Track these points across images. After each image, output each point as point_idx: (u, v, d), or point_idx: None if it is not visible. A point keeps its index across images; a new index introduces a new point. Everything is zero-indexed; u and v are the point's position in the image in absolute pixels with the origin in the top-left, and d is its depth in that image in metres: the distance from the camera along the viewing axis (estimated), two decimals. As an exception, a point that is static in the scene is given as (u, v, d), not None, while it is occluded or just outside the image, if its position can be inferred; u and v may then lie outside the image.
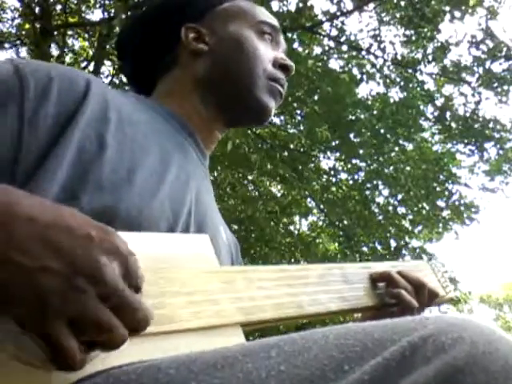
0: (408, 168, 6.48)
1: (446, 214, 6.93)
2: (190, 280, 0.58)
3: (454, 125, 6.56)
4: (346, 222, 7.02)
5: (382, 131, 6.28)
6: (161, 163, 0.71)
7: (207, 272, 0.61)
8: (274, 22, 0.91)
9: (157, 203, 0.66)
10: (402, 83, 6.46)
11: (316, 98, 6.13)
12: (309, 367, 0.41)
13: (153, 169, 0.69)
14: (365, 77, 6.28)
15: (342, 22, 6.05)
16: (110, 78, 6.78)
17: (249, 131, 5.86)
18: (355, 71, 6.36)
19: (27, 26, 6.19)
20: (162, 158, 0.71)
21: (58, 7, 6.25)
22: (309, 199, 7.12)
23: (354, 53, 6.38)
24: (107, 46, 5.93)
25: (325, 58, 6.36)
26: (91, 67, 6.58)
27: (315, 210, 7.39)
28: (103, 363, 0.47)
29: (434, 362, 0.37)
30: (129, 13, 4.89)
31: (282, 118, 6.74)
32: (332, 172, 6.90)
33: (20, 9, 6.22)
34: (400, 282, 0.83)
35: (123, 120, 0.70)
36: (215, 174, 6.68)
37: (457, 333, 0.39)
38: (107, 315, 0.42)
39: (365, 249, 6.97)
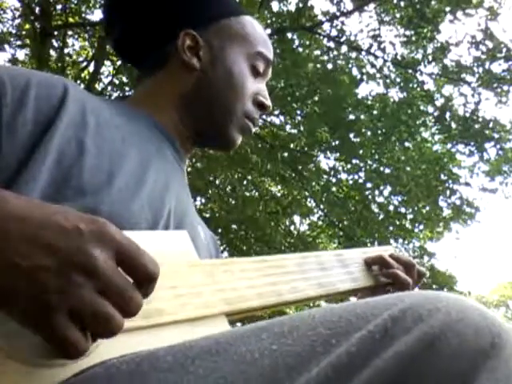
0: (408, 168, 6.48)
1: (446, 213, 6.94)
2: (174, 274, 0.60)
3: (453, 125, 6.57)
4: (346, 222, 7.03)
5: (383, 130, 6.29)
6: (140, 166, 0.72)
7: (189, 266, 0.63)
8: (270, 53, 0.91)
9: (137, 206, 0.67)
10: (401, 83, 6.47)
11: (316, 98, 6.14)
12: (299, 344, 0.43)
13: (132, 172, 0.70)
14: (365, 77, 6.28)
15: (342, 23, 6.07)
16: (110, 77, 6.79)
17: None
18: (355, 71, 6.38)
19: (27, 26, 6.20)
20: (140, 162, 0.72)
21: (58, 7, 6.26)
22: (309, 199, 7.13)
23: (354, 53, 6.39)
24: (107, 46, 5.93)
25: (325, 58, 6.36)
26: (91, 67, 6.58)
27: (315, 210, 7.39)
28: (99, 355, 0.48)
29: (414, 331, 0.41)
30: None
31: (282, 118, 6.74)
32: (332, 172, 6.91)
33: (20, 9, 6.22)
34: (394, 263, 0.93)
35: (101, 124, 0.70)
36: (215, 174, 6.69)
37: (432, 304, 0.43)
38: (104, 306, 0.44)
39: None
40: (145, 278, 0.47)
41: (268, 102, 0.89)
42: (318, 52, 6.35)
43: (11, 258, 0.41)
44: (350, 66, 6.35)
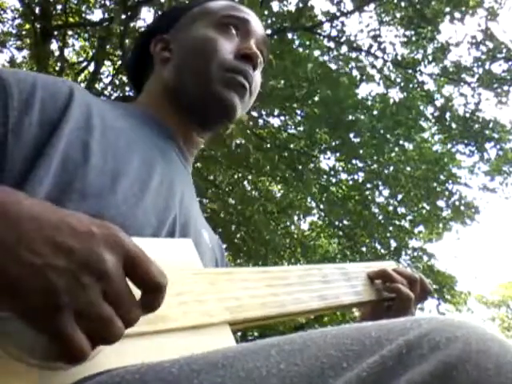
0: (408, 168, 6.49)
1: (446, 214, 6.94)
2: (178, 282, 0.60)
3: (453, 125, 6.57)
4: (346, 222, 7.03)
5: (382, 131, 6.29)
6: (144, 170, 0.72)
7: (193, 274, 0.63)
8: (241, 13, 0.89)
9: (141, 210, 0.67)
10: (402, 84, 6.47)
11: (316, 98, 6.14)
12: (308, 365, 0.42)
13: (137, 176, 0.70)
14: (364, 77, 6.28)
15: (342, 23, 6.06)
16: (110, 78, 6.79)
17: (248, 131, 5.86)
18: (355, 72, 6.37)
19: (27, 25, 6.19)
20: (145, 165, 0.73)
21: (58, 7, 6.25)
22: (309, 199, 7.12)
23: (354, 54, 6.38)
24: (107, 46, 5.93)
25: (325, 58, 6.36)
26: (91, 67, 6.58)
27: (315, 210, 7.39)
28: (102, 359, 0.48)
29: (430, 359, 0.39)
30: (128, 13, 4.89)
31: (282, 118, 6.74)
32: (332, 172, 6.90)
33: (20, 9, 6.21)
34: (397, 277, 0.91)
35: (106, 127, 0.71)
36: (215, 174, 6.68)
37: (451, 332, 0.41)
38: (108, 309, 0.44)
39: (365, 249, 6.98)
40: (151, 287, 0.47)
41: (250, 50, 0.84)
42: (318, 52, 6.35)
43: (23, 256, 0.42)
44: (349, 67, 6.35)
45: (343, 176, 7.00)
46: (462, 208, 6.75)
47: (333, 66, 6.30)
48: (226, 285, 0.66)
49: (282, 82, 5.81)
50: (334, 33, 6.14)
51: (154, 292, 0.47)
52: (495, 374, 0.38)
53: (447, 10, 5.93)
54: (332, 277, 0.84)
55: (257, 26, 0.90)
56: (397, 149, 6.51)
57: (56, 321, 0.42)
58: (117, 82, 6.43)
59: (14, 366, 0.45)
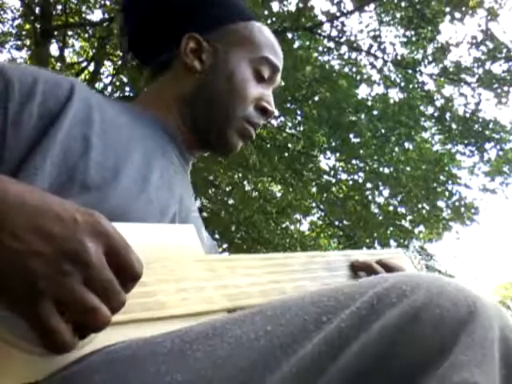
0: (408, 168, 6.48)
1: (446, 214, 6.94)
2: (178, 268, 0.60)
3: (454, 125, 6.57)
4: (345, 222, 7.02)
5: (383, 131, 6.28)
6: (145, 165, 0.72)
7: (195, 260, 0.63)
8: (277, 59, 0.89)
9: (142, 204, 0.68)
10: (402, 84, 6.47)
11: (316, 98, 6.14)
12: (292, 324, 0.46)
13: (137, 170, 0.70)
14: (364, 78, 6.27)
15: (342, 23, 6.05)
16: (110, 78, 6.79)
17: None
18: (354, 73, 6.37)
19: (27, 26, 6.20)
20: (145, 161, 0.73)
21: (58, 7, 6.25)
22: (309, 199, 7.12)
23: (354, 54, 6.38)
24: (107, 46, 5.94)
25: (325, 58, 6.36)
26: (91, 67, 6.58)
27: (315, 210, 7.39)
28: (95, 346, 0.48)
29: (398, 306, 0.44)
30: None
31: (282, 119, 6.74)
32: (332, 172, 6.90)
33: (20, 9, 6.22)
34: (380, 271, 0.89)
35: (107, 122, 0.71)
36: (215, 174, 6.68)
37: (414, 282, 0.47)
38: (90, 297, 0.44)
39: (365, 249, 6.97)
40: (130, 276, 0.48)
41: (271, 108, 0.87)
42: (317, 54, 6.34)
43: (6, 242, 0.42)
44: (348, 69, 6.35)
45: (343, 176, 7.01)
46: (462, 208, 6.75)
47: (332, 65, 6.30)
48: (227, 272, 0.66)
49: (282, 83, 5.81)
50: (334, 33, 6.14)
51: (130, 280, 0.48)
52: (453, 310, 0.44)
53: (447, 10, 5.93)
54: (335, 264, 0.84)
55: (281, 67, 0.91)
56: (397, 149, 6.50)
57: (35, 308, 0.42)
58: (117, 83, 6.43)
59: (7, 350, 0.45)
